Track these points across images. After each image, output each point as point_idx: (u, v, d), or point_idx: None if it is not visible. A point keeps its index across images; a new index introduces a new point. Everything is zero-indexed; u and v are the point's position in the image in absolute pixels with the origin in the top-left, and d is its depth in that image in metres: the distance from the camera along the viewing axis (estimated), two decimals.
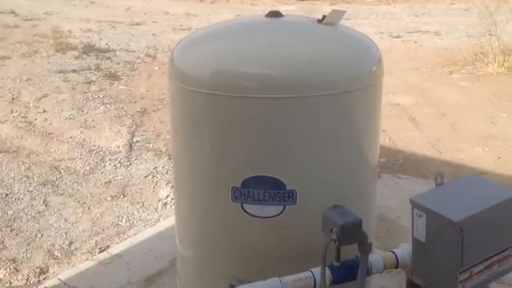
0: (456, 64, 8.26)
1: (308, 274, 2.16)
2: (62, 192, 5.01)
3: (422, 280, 2.20)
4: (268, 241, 2.41)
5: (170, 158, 5.35)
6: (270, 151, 2.32)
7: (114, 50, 9.41)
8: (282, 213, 2.33)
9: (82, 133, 6.24)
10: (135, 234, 4.33)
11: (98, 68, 8.44)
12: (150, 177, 5.26)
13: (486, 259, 2.03)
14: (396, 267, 2.26)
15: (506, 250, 2.06)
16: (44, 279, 3.87)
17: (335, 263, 2.19)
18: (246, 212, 2.35)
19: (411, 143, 5.80)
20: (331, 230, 2.06)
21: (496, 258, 2.05)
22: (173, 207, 4.26)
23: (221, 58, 2.43)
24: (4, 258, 4.10)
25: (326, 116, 2.31)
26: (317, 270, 2.15)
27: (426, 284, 2.26)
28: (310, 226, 2.23)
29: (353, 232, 2.07)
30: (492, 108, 6.71)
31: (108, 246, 4.24)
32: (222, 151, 2.40)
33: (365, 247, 2.08)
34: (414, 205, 2.09)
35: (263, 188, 2.31)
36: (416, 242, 2.10)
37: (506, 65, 7.81)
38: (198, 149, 2.48)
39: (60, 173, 5.34)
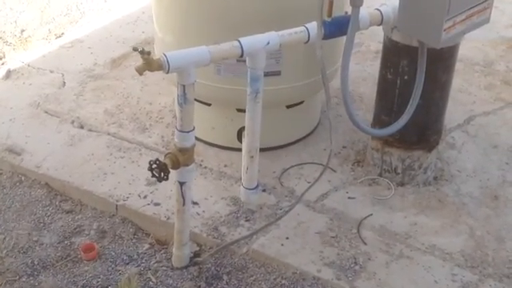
0: None
1: (302, 28, 2.27)
2: None
3: (406, 32, 2.38)
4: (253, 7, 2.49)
5: None
6: None
7: None
8: None
9: None
10: (89, 22, 4.25)
11: None
12: None
13: (468, 9, 2.20)
14: (380, 24, 2.41)
15: (484, 1, 2.24)
16: (2, 64, 3.81)
17: (327, 19, 2.31)
18: None
19: None
20: None
21: (476, 9, 2.23)
22: None
23: None
24: None
25: None
26: (310, 25, 2.26)
27: (406, 38, 2.45)
28: None
29: None
30: None
31: (63, 33, 4.16)
32: None
33: (356, 0, 2.18)
34: None
35: None
36: None
37: None
38: None
39: None
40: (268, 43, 2.19)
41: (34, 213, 2.71)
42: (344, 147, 3.03)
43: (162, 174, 2.15)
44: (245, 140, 2.43)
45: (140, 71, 2.01)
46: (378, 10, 2.40)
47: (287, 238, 2.51)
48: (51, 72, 3.57)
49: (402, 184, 2.81)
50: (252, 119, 2.35)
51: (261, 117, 2.38)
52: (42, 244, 2.55)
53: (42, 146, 3.00)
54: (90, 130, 3.13)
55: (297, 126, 3.04)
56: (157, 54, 2.98)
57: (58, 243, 2.56)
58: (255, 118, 2.35)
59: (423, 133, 2.71)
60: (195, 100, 2.87)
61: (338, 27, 2.31)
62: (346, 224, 2.59)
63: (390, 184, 2.81)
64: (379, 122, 2.76)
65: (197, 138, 2.99)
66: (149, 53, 1.99)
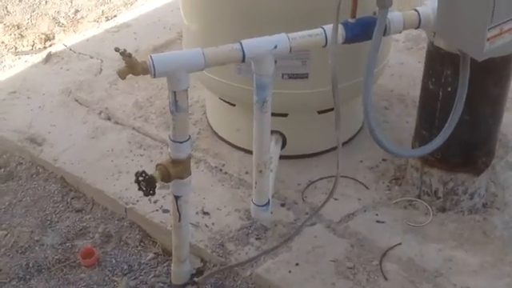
0: None
1: (319, 30, 1.96)
2: None
3: (446, 40, 2.01)
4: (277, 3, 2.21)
5: None
6: None
7: None
8: None
9: None
10: (143, 4, 4.11)
11: None
12: None
13: None
14: (417, 27, 2.05)
15: None
16: (50, 45, 3.75)
17: (350, 20, 1.99)
18: None
19: None
20: None
21: None
22: None
23: None
24: (8, 24, 3.96)
25: None
26: (329, 27, 1.95)
27: (449, 45, 2.08)
28: None
29: None
30: None
31: (115, 16, 4.05)
32: None
33: (385, 0, 1.85)
34: None
35: None
36: None
37: None
38: None
39: None
40: (275, 47, 1.91)
41: (44, 209, 2.60)
42: (384, 160, 2.69)
43: (149, 188, 1.95)
44: (253, 153, 2.17)
45: (122, 75, 1.80)
46: (415, 10, 2.04)
47: (297, 264, 2.24)
48: (91, 57, 3.45)
49: (443, 209, 2.44)
50: (259, 131, 2.08)
51: (269, 128, 2.10)
52: (43, 245, 2.44)
53: (64, 137, 2.89)
54: (116, 123, 2.98)
55: (330, 133, 2.72)
56: (183, 42, 2.76)
57: (60, 245, 2.44)
58: (263, 129, 2.08)
59: (469, 154, 2.33)
60: (220, 99, 2.71)
61: (363, 30, 1.98)
62: (369, 253, 2.28)
63: (428, 208, 2.45)
64: (419, 137, 2.40)
65: (222, 139, 2.85)
66: (130, 55, 1.77)
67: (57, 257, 2.38)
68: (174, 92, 1.85)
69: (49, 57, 3.44)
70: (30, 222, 2.54)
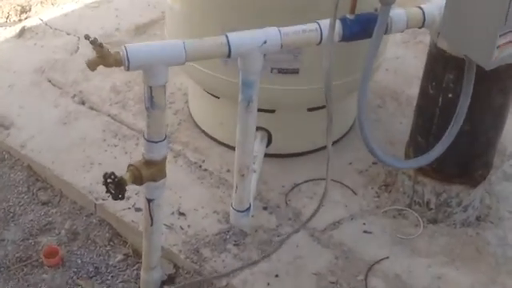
0: None
1: (314, 25, 1.78)
2: None
3: (450, 43, 1.84)
4: None
5: None
6: None
7: None
8: None
9: None
10: None
11: None
12: None
13: None
14: (421, 26, 1.88)
15: None
16: (25, 18, 3.52)
17: (348, 16, 1.81)
18: None
19: None
20: None
21: None
22: None
23: None
24: None
25: None
26: (325, 23, 1.77)
27: (454, 48, 1.91)
28: None
29: None
30: None
31: None
32: None
33: None
34: None
35: None
36: None
37: None
38: None
39: None
40: (265, 42, 1.72)
41: (7, 199, 2.42)
42: (374, 163, 2.52)
43: (118, 191, 1.76)
44: (235, 155, 1.99)
45: (92, 66, 1.60)
46: (419, 8, 1.86)
47: (276, 276, 2.08)
48: (68, 34, 3.23)
49: (434, 221, 2.30)
50: (243, 132, 1.90)
51: (254, 129, 1.92)
52: (3, 240, 2.26)
53: (34, 121, 2.69)
54: (91, 108, 2.78)
55: (319, 131, 2.55)
56: (165, 25, 2.56)
57: (22, 241, 2.26)
58: (247, 130, 1.89)
59: (467, 165, 2.18)
60: (204, 90, 2.52)
61: (362, 27, 1.80)
62: (353, 266, 2.12)
63: (419, 220, 2.30)
64: (414, 143, 2.24)
65: (204, 132, 2.66)
66: (101, 44, 1.57)
67: (18, 254, 2.21)
68: (150, 87, 1.67)
69: (23, 31, 3.22)
70: None
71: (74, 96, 2.83)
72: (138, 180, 1.79)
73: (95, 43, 1.57)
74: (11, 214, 2.35)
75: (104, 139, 2.61)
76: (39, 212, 2.37)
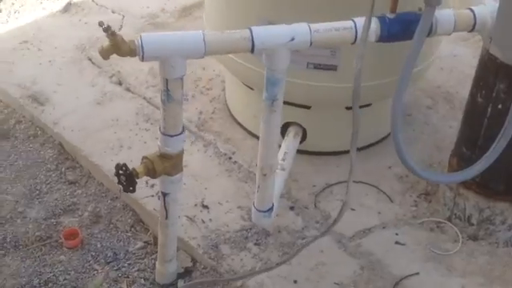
0: None
1: (349, 23, 1.63)
2: None
3: (503, 50, 1.65)
4: None
5: None
6: None
7: None
8: None
9: None
10: None
11: None
12: None
13: None
14: (471, 30, 1.70)
15: None
16: None
17: (388, 14, 1.65)
18: None
19: None
20: None
21: None
22: None
23: None
24: None
25: None
26: (361, 21, 1.62)
27: (506, 56, 1.72)
28: None
29: None
30: None
31: None
32: None
33: None
34: None
35: None
36: None
37: None
38: None
39: None
40: (292, 39, 1.59)
41: (35, 176, 2.40)
42: None
43: (129, 183, 1.69)
44: (258, 154, 1.88)
45: (104, 55, 1.53)
46: (470, 10, 1.68)
47: (295, 282, 1.97)
48: (113, 12, 3.18)
49: (474, 238, 2.12)
50: (267, 131, 1.78)
51: (279, 129, 1.81)
52: (26, 217, 2.24)
53: (69, 99, 2.66)
54: (127, 90, 2.73)
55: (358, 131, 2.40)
56: (205, 9, 2.46)
57: (44, 219, 2.23)
58: (271, 130, 1.78)
59: None
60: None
61: (402, 28, 1.65)
62: (379, 280, 1.98)
63: (458, 235, 2.13)
64: (458, 154, 2.07)
65: (237, 123, 2.56)
66: (114, 33, 1.49)
67: (38, 233, 2.18)
68: (166, 80, 1.57)
69: (68, 6, 3.20)
70: (18, 189, 2.34)
71: (112, 76, 2.78)
72: (152, 173, 1.72)
73: (108, 31, 1.49)
74: (37, 192, 2.33)
75: (136, 123, 2.55)
76: (65, 191, 2.34)
